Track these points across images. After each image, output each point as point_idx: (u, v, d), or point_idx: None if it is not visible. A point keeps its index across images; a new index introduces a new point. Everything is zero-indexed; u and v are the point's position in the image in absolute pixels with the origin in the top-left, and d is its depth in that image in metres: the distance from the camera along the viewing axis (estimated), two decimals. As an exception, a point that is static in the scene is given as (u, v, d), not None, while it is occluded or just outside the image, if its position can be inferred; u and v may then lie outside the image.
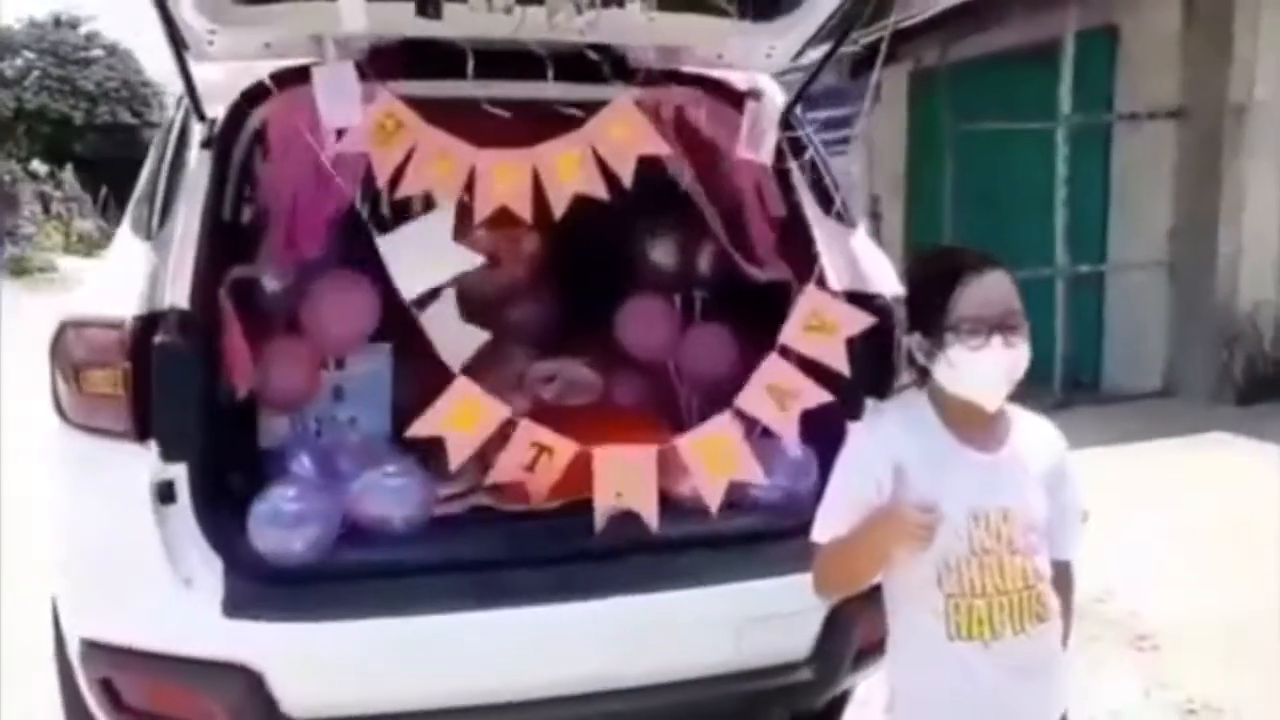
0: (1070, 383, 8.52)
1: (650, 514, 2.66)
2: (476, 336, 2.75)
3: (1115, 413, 8.08)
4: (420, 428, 2.65)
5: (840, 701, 3.36)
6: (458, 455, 2.65)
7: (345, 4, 2.41)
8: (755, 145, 2.82)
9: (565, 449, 2.67)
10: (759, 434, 2.81)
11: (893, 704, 2.13)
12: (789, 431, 2.78)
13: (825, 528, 2.06)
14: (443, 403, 2.65)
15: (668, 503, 2.71)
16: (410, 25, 2.58)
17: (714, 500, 2.69)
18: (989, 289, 1.96)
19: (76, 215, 31.50)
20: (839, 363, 2.75)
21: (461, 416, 2.64)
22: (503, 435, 2.69)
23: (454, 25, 2.60)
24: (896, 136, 11.13)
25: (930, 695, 2.05)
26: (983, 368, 1.95)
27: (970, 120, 9.12)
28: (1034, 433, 2.09)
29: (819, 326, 2.74)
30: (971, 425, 2.01)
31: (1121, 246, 8.86)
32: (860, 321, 2.77)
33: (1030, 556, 1.98)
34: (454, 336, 2.84)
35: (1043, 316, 8.50)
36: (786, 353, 2.78)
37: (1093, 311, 8.93)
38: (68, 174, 30.91)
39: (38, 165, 30.86)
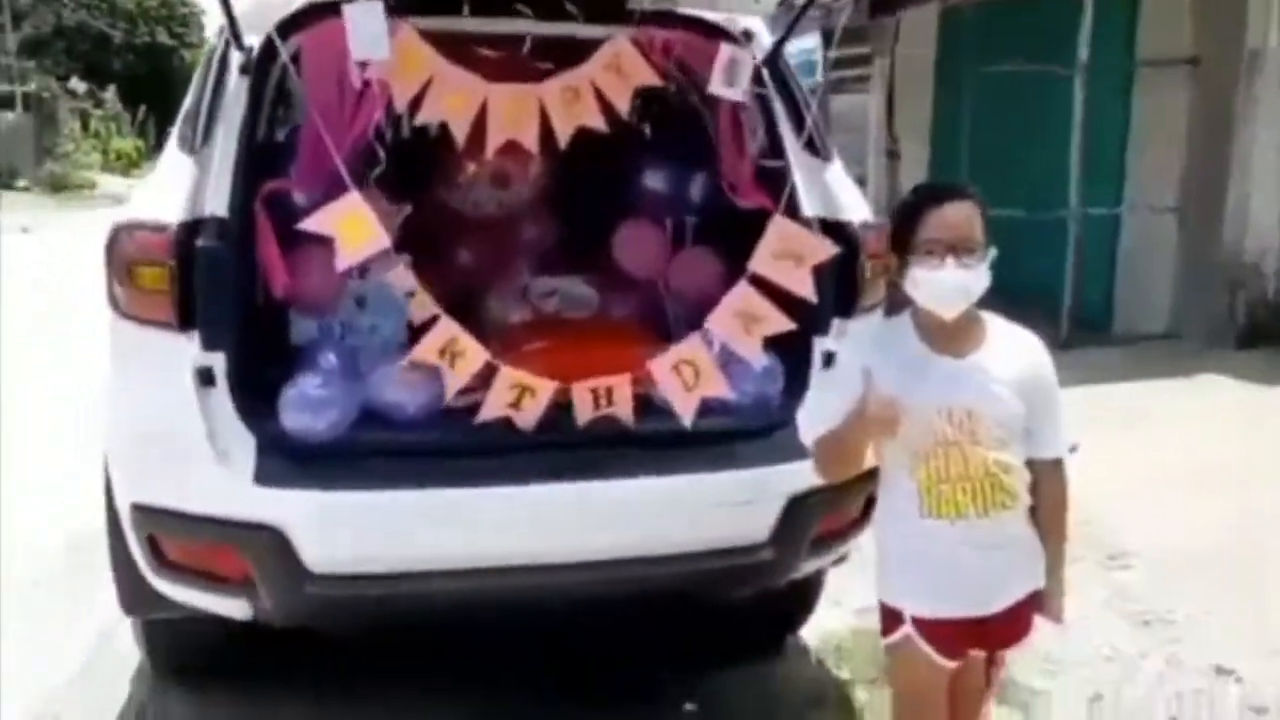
0: (1079, 322, 8.70)
1: (627, 420, 2.95)
2: (429, 306, 2.95)
3: (1119, 353, 8.27)
4: (416, 355, 2.89)
5: (812, 597, 3.70)
6: (452, 387, 2.90)
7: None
8: (728, 83, 3.05)
9: (545, 388, 2.89)
10: (759, 353, 3.07)
11: (880, 563, 2.47)
12: (754, 354, 3.04)
13: (821, 422, 2.44)
14: (429, 342, 2.88)
15: (647, 403, 2.99)
16: None
17: (686, 414, 2.97)
18: (948, 216, 2.27)
19: (115, 134, 31.67)
20: (805, 290, 3.00)
21: (449, 352, 2.86)
22: (486, 376, 2.90)
23: None
24: (924, 76, 11.22)
25: (907, 561, 2.40)
26: (939, 284, 2.26)
27: (993, 62, 9.20)
28: (1011, 343, 2.38)
29: (786, 254, 2.98)
30: (943, 334, 2.32)
31: (1138, 191, 8.97)
32: (825, 250, 3.03)
33: (996, 450, 2.28)
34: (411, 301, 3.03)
35: (1054, 257, 8.68)
36: (757, 280, 3.02)
37: (1106, 254, 9.07)
38: (110, 93, 30.93)
39: (76, 83, 30.93)
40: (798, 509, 2.90)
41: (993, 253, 2.28)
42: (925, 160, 11.11)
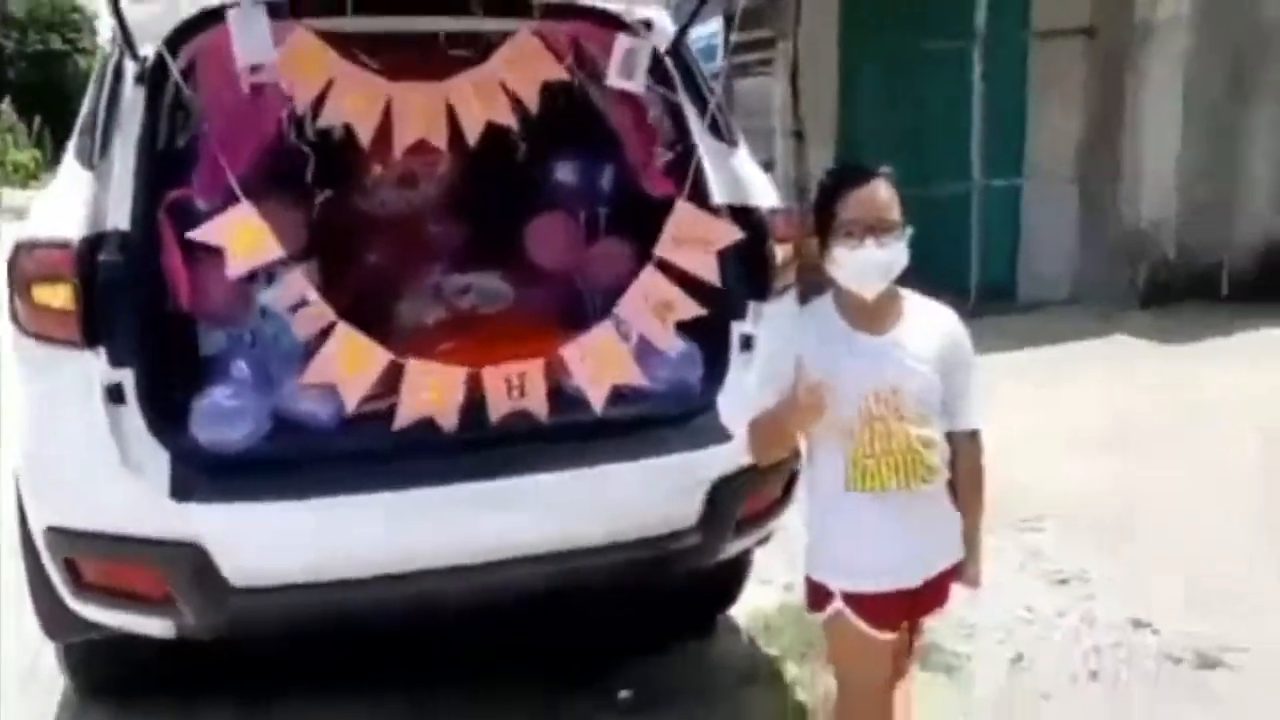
0: (986, 292, 8.90)
1: (540, 413, 2.95)
2: (326, 315, 2.88)
3: (1025, 320, 8.45)
4: (312, 375, 2.84)
5: (740, 577, 3.74)
6: (352, 398, 2.85)
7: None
8: (627, 73, 3.07)
9: (456, 375, 2.88)
10: (671, 339, 3.10)
11: (809, 539, 2.51)
12: (665, 340, 3.07)
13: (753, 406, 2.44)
14: (328, 350, 2.83)
15: (565, 395, 3.01)
16: None
17: (598, 400, 2.99)
18: (866, 196, 2.31)
19: (11, 146, 30.72)
20: (710, 274, 3.04)
21: (349, 362, 2.83)
22: (395, 374, 2.87)
23: None
24: (828, 55, 11.31)
25: (833, 536, 2.44)
26: (858, 263, 2.30)
27: (893, 37, 9.32)
28: (929, 319, 2.43)
29: (691, 240, 3.02)
30: (863, 313, 2.37)
31: (1037, 161, 9.18)
32: (728, 234, 3.07)
33: (918, 425, 2.32)
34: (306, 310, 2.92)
35: (959, 229, 8.86)
36: (664, 265, 3.06)
37: (1009, 224, 9.27)
38: (5, 104, 29.96)
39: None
40: (723, 492, 2.95)
41: (909, 231, 2.33)
42: (832, 140, 11.22)
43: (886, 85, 9.77)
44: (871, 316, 2.37)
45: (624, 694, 3.46)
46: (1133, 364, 7.13)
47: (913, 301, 2.44)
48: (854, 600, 2.41)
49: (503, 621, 3.57)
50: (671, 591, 3.64)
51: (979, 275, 8.88)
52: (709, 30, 8.78)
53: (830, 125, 11.16)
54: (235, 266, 2.77)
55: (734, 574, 3.63)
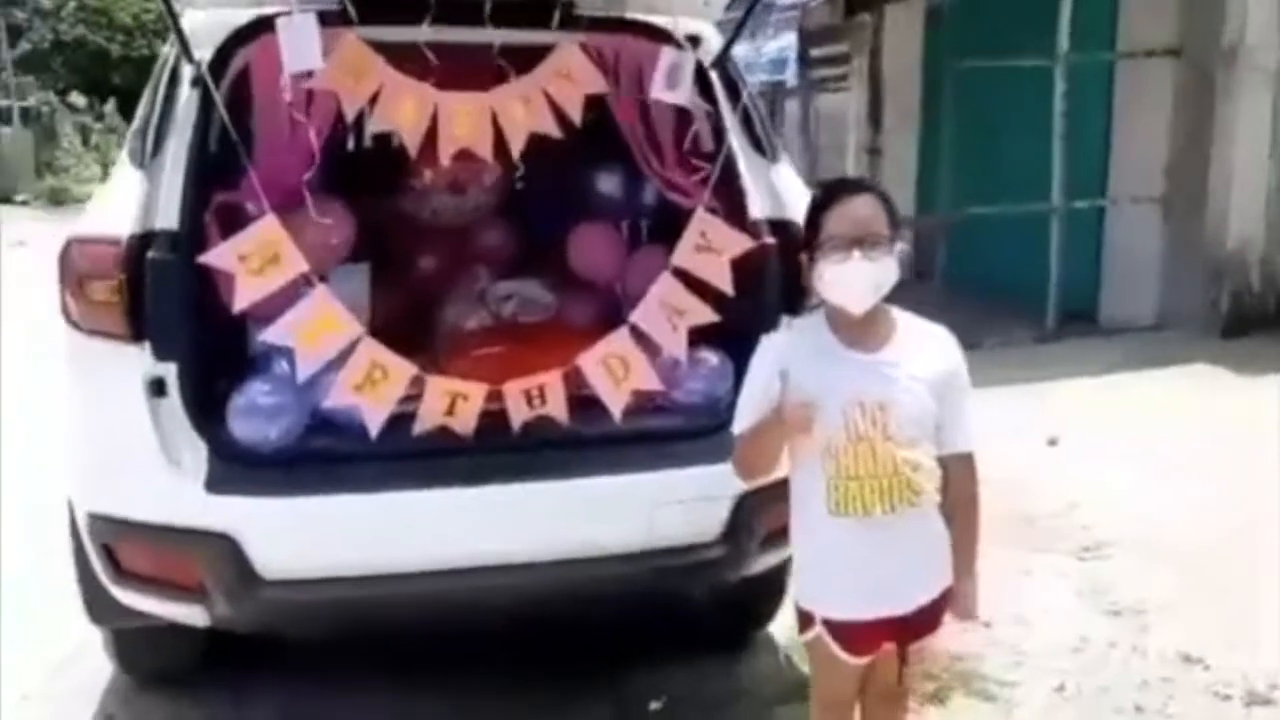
0: (1066, 316, 8.74)
1: (563, 419, 2.98)
2: (355, 329, 2.91)
3: (1106, 345, 8.29)
4: (335, 398, 2.88)
5: (773, 593, 3.70)
6: (374, 422, 2.87)
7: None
8: (670, 86, 3.09)
9: (477, 391, 2.91)
10: (684, 346, 3.12)
11: (795, 562, 2.49)
12: (678, 347, 3.08)
13: (738, 422, 2.42)
14: (349, 370, 2.86)
15: (591, 404, 3.03)
16: None
17: (616, 407, 3.01)
18: (852, 210, 2.28)
19: (114, 147, 31.70)
20: (723, 282, 3.04)
21: (371, 380, 2.86)
22: (417, 387, 2.91)
23: None
24: (911, 72, 11.24)
25: (817, 559, 2.40)
26: (845, 278, 2.26)
27: (976, 56, 9.21)
28: (923, 338, 2.39)
29: (708, 248, 3.02)
30: (853, 330, 2.32)
31: (1122, 183, 9.00)
32: (741, 244, 3.07)
33: (906, 447, 2.27)
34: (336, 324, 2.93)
35: (1038, 250, 8.72)
36: (681, 273, 3.07)
37: (1091, 246, 9.09)
38: (109, 106, 30.89)
39: (76, 97, 30.95)
40: (747, 506, 2.93)
41: (901, 246, 2.29)
42: (913, 157, 11.14)
43: (968, 104, 9.66)
44: (863, 333, 2.33)
45: (655, 704, 3.47)
46: (1212, 393, 6.93)
47: (907, 321, 2.39)
48: (833, 627, 2.38)
49: (538, 623, 3.60)
50: (706, 605, 3.63)
51: (1058, 298, 8.70)
52: (781, 44, 8.79)
53: (911, 143, 11.10)
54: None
55: (768, 591, 3.60)
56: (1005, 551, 4.61)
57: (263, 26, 2.97)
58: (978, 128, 9.71)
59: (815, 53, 8.00)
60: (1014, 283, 8.90)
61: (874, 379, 2.29)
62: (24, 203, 24.98)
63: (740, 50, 10.11)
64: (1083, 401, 6.78)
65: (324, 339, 2.83)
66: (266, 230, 2.79)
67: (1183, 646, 3.75)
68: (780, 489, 2.81)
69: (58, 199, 25.42)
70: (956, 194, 9.39)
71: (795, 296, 3.10)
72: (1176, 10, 8.44)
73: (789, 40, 8.73)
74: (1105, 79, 8.95)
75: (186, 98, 2.99)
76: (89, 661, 3.68)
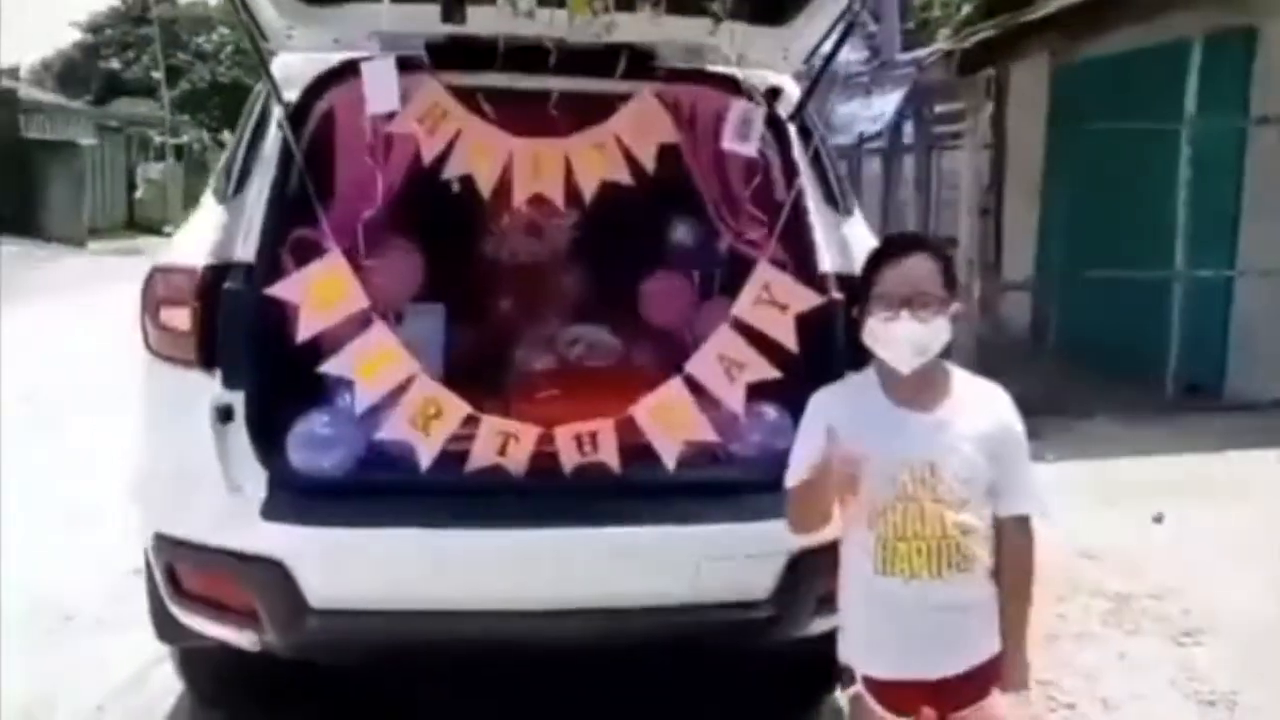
0: (1188, 387, 8.43)
1: (614, 466, 2.97)
2: (411, 365, 2.96)
3: (1227, 419, 7.92)
4: (389, 431, 2.93)
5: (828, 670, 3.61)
6: (425, 457, 2.91)
7: (385, 7, 2.82)
8: (741, 138, 3.09)
9: (529, 433, 2.93)
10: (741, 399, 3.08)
11: (839, 618, 2.45)
12: (735, 400, 3.04)
13: (790, 476, 2.39)
14: (404, 405, 2.91)
15: (649, 452, 3.01)
16: (442, 26, 2.95)
17: (669, 457, 2.99)
18: (904, 269, 2.25)
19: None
20: (787, 337, 3.01)
21: (425, 416, 2.90)
22: (471, 426, 2.94)
23: (481, 27, 2.96)
24: (1034, 131, 11.03)
25: (860, 620, 2.37)
26: (893, 336, 2.23)
27: (1101, 118, 9.02)
28: (979, 398, 2.34)
29: (770, 302, 3.00)
30: (905, 388, 2.28)
31: (1252, 253, 8.66)
32: (807, 299, 3.03)
33: (955, 508, 2.22)
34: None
35: (1159, 318, 8.43)
36: (741, 326, 3.04)
37: (1218, 317, 8.75)
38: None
39: (228, 135, 32.52)
40: (800, 565, 2.86)
41: (956, 307, 2.25)
42: (1034, 218, 10.90)
43: (1091, 166, 9.44)
44: (915, 392, 2.28)
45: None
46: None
47: (961, 379, 2.34)
48: (873, 685, 2.33)
49: (593, 677, 3.57)
50: (771, 668, 3.56)
51: (1178, 368, 8.38)
52: (892, 101, 8.73)
53: (1032, 203, 10.86)
54: (311, 321, 2.89)
55: (832, 655, 3.51)
56: (1099, 630, 4.44)
57: (348, 71, 3.07)
58: (1102, 191, 9.47)
59: (939, 110, 7.90)
60: (1135, 351, 8.63)
61: (923, 438, 2.25)
62: (169, 234, 26.12)
63: (851, 107, 10.06)
64: (1196, 477, 6.50)
65: (381, 373, 2.89)
66: (331, 266, 2.87)
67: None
68: (836, 551, 2.77)
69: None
70: (1077, 257, 9.15)
71: (862, 352, 3.04)
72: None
73: (898, 97, 8.65)
74: (1236, 145, 8.63)
75: (272, 137, 3.10)
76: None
